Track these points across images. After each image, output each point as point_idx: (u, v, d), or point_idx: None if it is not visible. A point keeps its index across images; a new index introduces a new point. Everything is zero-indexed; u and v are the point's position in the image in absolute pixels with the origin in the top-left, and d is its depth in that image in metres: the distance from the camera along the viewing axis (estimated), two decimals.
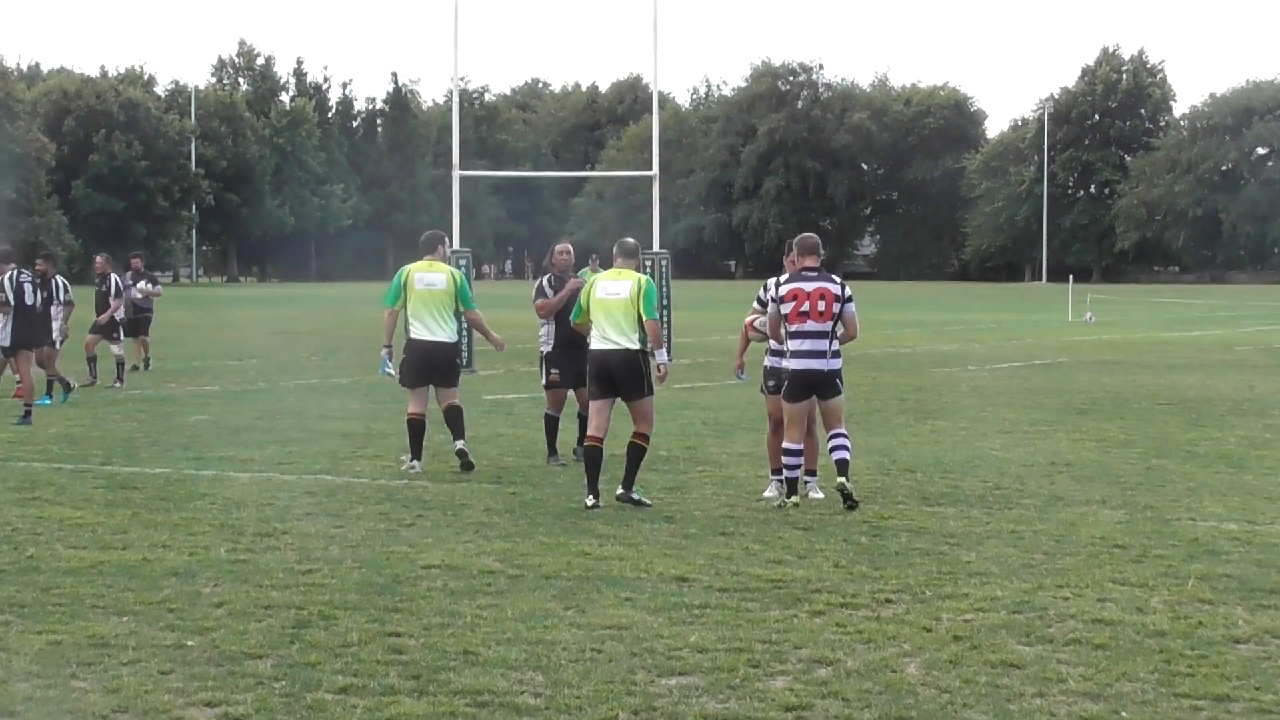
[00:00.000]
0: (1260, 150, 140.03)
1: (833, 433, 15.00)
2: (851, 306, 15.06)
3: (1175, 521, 14.04)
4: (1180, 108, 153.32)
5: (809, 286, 14.95)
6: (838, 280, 15.14)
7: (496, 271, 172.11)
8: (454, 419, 17.57)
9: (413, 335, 17.58)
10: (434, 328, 17.52)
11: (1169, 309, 73.02)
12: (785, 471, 14.94)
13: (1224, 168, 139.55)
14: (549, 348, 18.26)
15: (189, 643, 9.51)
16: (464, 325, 19.28)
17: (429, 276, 17.60)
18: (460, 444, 17.40)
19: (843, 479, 14.68)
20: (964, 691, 8.63)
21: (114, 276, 30.28)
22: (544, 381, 18.43)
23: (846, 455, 14.87)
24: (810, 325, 14.86)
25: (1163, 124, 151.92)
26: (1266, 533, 13.51)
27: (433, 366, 17.56)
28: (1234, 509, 14.82)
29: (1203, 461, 18.17)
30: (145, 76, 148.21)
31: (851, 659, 9.25)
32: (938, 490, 15.85)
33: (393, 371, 17.90)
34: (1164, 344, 44.08)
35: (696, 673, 8.95)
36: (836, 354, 15.05)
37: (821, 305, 14.84)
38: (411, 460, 17.42)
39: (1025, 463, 17.96)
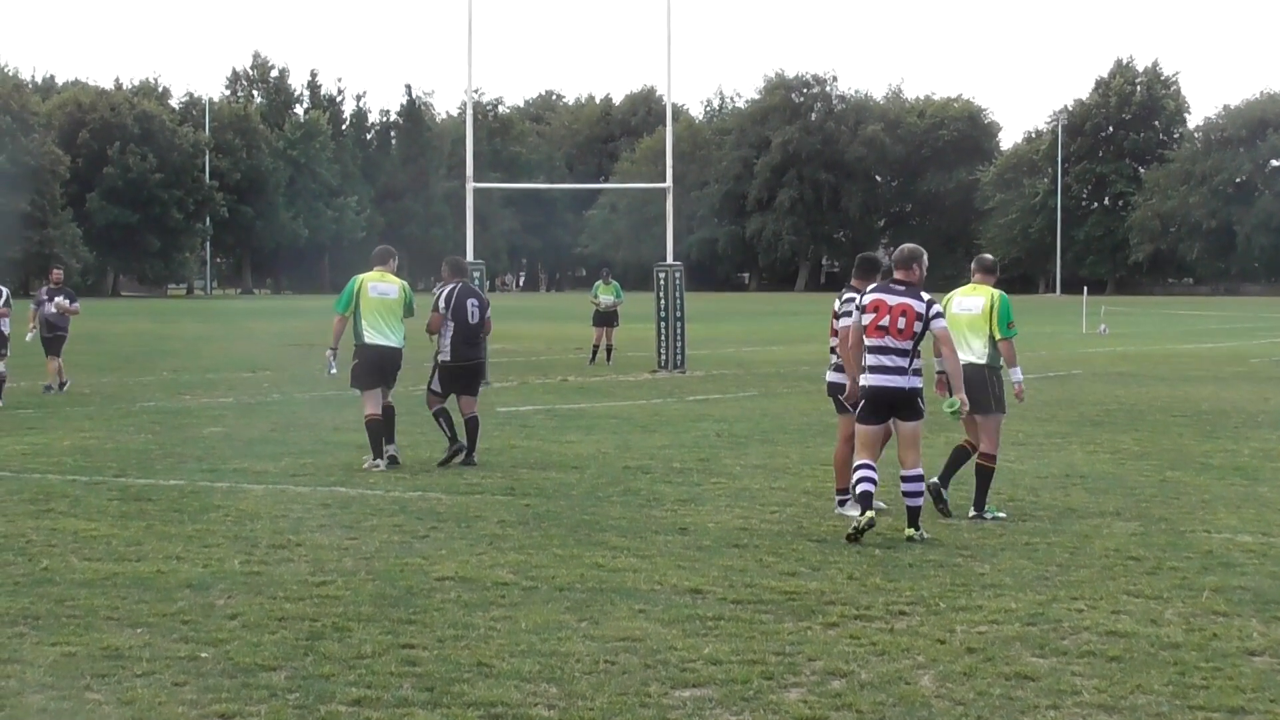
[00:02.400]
0: (1275, 162, 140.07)
1: (907, 473, 13.87)
2: (940, 324, 13.99)
3: (1190, 534, 14.02)
4: (1194, 119, 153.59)
5: (892, 300, 13.90)
6: (925, 298, 13.97)
7: (512, 283, 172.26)
8: (378, 430, 18.67)
9: (367, 341, 18.70)
10: (387, 333, 18.76)
11: (1183, 321, 72.92)
12: (859, 486, 13.72)
13: (1238, 180, 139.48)
14: (446, 357, 19.20)
15: (203, 654, 9.51)
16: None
17: (382, 286, 18.87)
18: (391, 449, 18.67)
19: (912, 530, 13.62)
20: (978, 704, 8.61)
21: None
22: (433, 386, 19.39)
23: (919, 503, 13.80)
24: (889, 341, 13.81)
25: (1176, 136, 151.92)
26: None
27: (385, 369, 18.80)
28: (1248, 521, 14.80)
29: (1217, 474, 18.13)
30: (160, 89, 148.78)
31: (865, 671, 9.23)
32: (951, 502, 15.79)
33: (335, 372, 19.18)
34: (1178, 356, 44.02)
35: (710, 685, 8.94)
36: (918, 372, 13.93)
37: (902, 322, 13.79)
38: (374, 460, 18.42)
39: (1040, 474, 17.95)
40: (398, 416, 19.16)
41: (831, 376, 15.60)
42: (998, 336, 15.24)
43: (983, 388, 15.13)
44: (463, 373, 19.30)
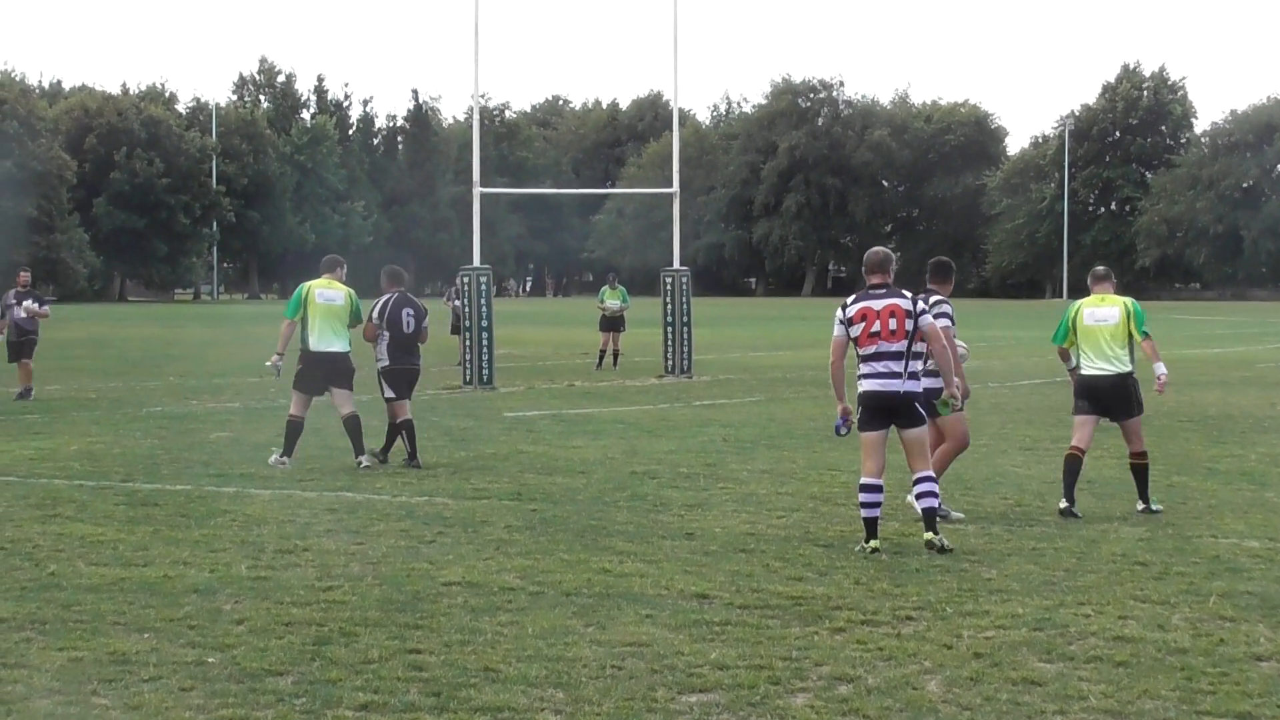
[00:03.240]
0: None
1: (917, 475, 13.64)
2: (927, 319, 13.64)
3: (1196, 539, 14.01)
4: (1201, 124, 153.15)
5: (878, 305, 13.59)
6: (909, 295, 13.76)
7: (514, 288, 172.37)
8: (354, 430, 19.32)
9: (312, 347, 19.34)
10: (332, 339, 19.36)
11: (1190, 326, 72.80)
12: (863, 511, 13.48)
13: (1245, 184, 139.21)
14: (386, 363, 19.80)
15: (210, 659, 9.52)
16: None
17: (329, 293, 19.51)
18: (363, 459, 19.11)
19: (930, 534, 13.39)
20: (985, 709, 8.61)
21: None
22: (386, 395, 19.90)
23: (935, 503, 13.57)
24: (882, 346, 13.50)
25: (1184, 141, 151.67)
26: None
27: (328, 373, 19.35)
28: (1255, 526, 14.79)
29: (1224, 479, 18.12)
30: (166, 94, 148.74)
31: (872, 676, 9.23)
32: (958, 507, 15.81)
33: (279, 374, 19.85)
34: (1185, 361, 43.95)
35: (717, 690, 8.95)
36: (914, 375, 13.58)
37: (893, 324, 13.49)
38: (281, 456, 19.01)
39: (1046, 480, 17.93)
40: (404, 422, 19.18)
41: (926, 383, 15.36)
42: (1139, 338, 15.88)
43: (1125, 394, 15.88)
44: (402, 375, 19.89)
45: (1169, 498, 16.52)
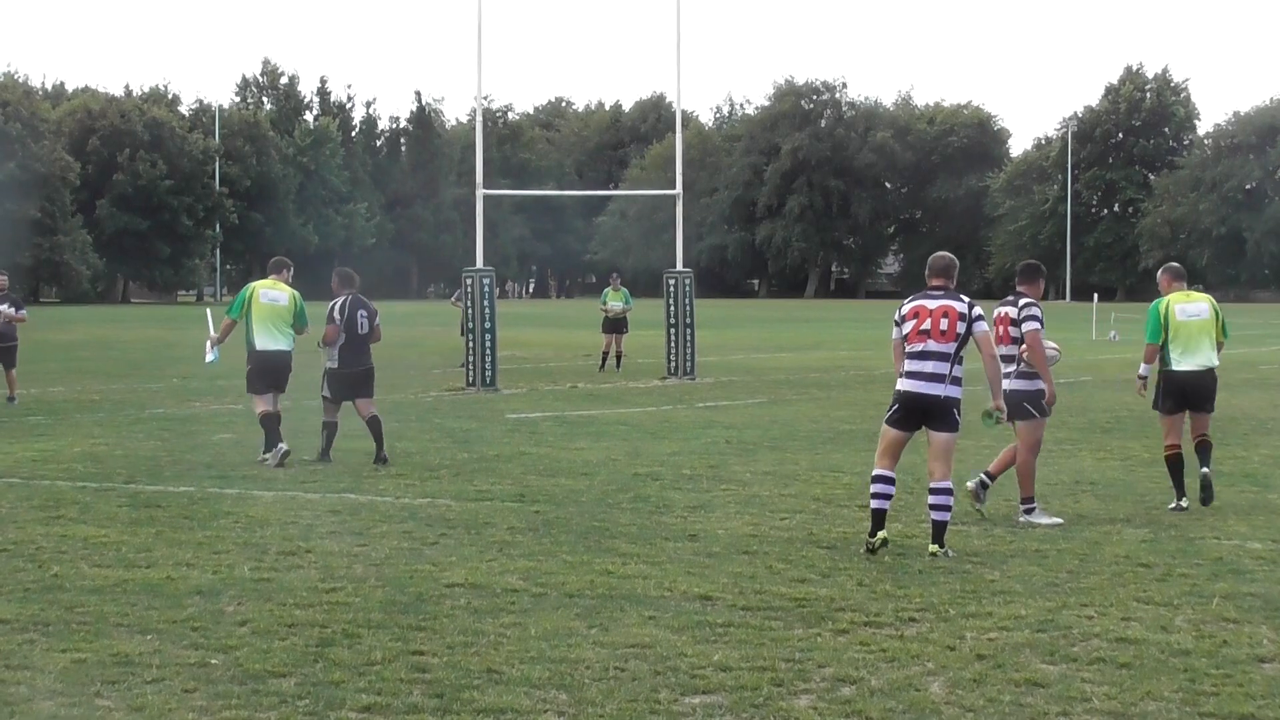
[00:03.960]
0: None
1: (935, 485, 13.37)
2: (982, 325, 13.46)
3: (1199, 540, 14.01)
4: (1204, 126, 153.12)
5: (932, 304, 13.51)
6: (966, 300, 13.55)
7: (514, 290, 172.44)
8: (274, 424, 19.70)
9: (258, 347, 19.92)
10: (277, 338, 20.01)
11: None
12: (874, 502, 13.40)
13: (1248, 186, 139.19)
14: (334, 364, 20.13)
15: (213, 661, 9.53)
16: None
17: (273, 294, 20.15)
18: (283, 447, 19.39)
19: (935, 546, 13.25)
20: (988, 710, 8.61)
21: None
22: (324, 393, 20.22)
23: (946, 517, 13.35)
24: (930, 345, 13.36)
25: (1186, 142, 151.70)
26: None
27: (275, 372, 19.99)
28: (1258, 528, 14.80)
29: (1227, 480, 18.10)
30: (169, 96, 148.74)
31: (875, 678, 9.23)
32: (961, 508, 15.77)
33: (211, 359, 20.77)
34: None
35: (720, 691, 8.95)
36: (957, 381, 13.42)
37: (944, 324, 13.34)
38: (265, 453, 19.53)
39: (1049, 481, 17.91)
40: (410, 423, 19.19)
41: (1013, 385, 15.31)
42: (1222, 339, 16.40)
43: (1211, 389, 16.34)
44: (352, 378, 20.16)
45: (1171, 499, 16.50)
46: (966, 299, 13.58)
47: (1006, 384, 14.99)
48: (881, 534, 13.30)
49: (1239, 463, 19.87)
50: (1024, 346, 15.32)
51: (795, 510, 15.70)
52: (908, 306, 13.69)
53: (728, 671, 9.33)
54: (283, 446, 19.29)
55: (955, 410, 13.43)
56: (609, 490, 17.10)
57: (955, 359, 13.38)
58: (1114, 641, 10.11)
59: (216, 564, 12.66)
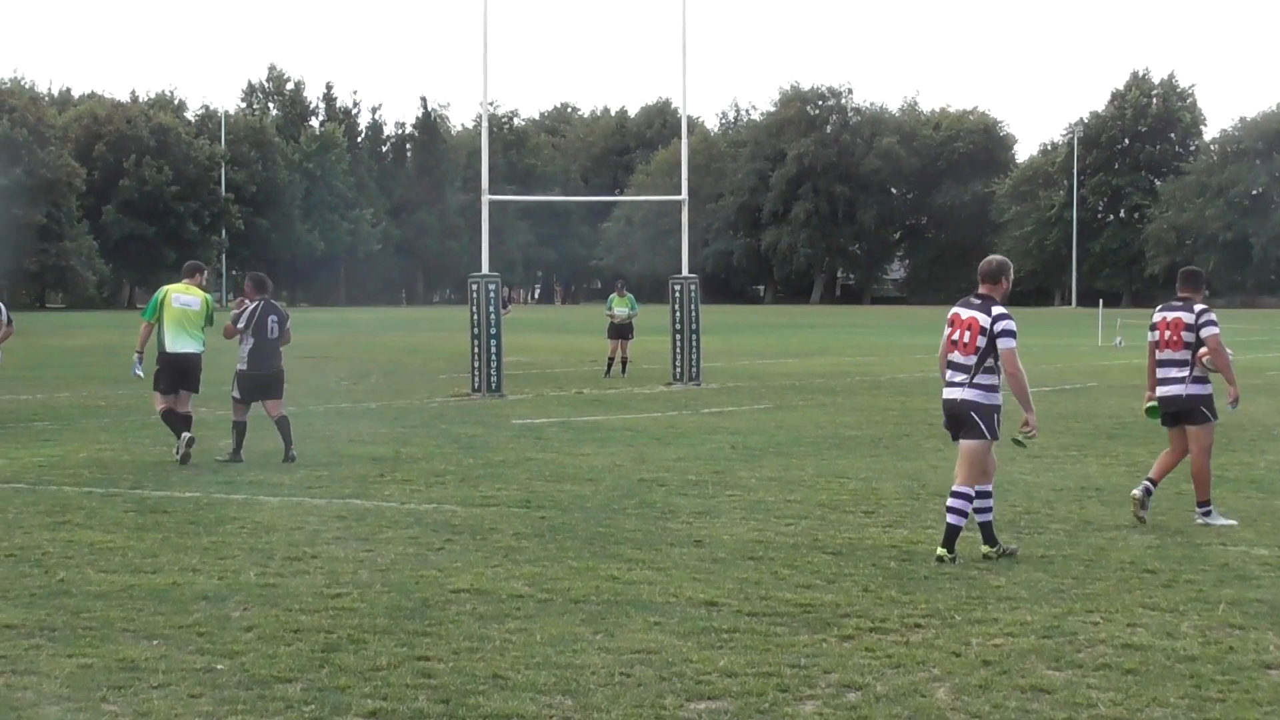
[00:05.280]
0: None
1: (954, 489, 13.42)
2: (1006, 342, 13.26)
3: (1206, 546, 14.00)
4: (1210, 132, 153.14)
5: (964, 314, 13.52)
6: (994, 312, 13.37)
7: (518, 296, 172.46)
8: (186, 421, 20.27)
9: (168, 348, 20.42)
10: (187, 341, 20.51)
11: None
12: (947, 516, 13.31)
13: (1254, 192, 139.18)
14: (244, 367, 20.66)
15: (219, 666, 9.53)
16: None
17: (185, 297, 20.71)
18: (188, 435, 20.03)
19: (943, 550, 13.17)
20: (993, 716, 8.61)
21: None
22: (234, 394, 20.80)
23: (960, 522, 13.22)
24: (956, 356, 13.46)
25: (1193, 148, 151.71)
26: None
27: (183, 373, 20.44)
28: (1265, 534, 14.79)
29: (1233, 486, 18.09)
30: (175, 101, 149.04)
31: (881, 684, 9.23)
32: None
33: (140, 374, 20.92)
34: None
35: (725, 697, 8.94)
36: (979, 387, 13.33)
37: (967, 336, 13.37)
38: (181, 442, 20.01)
39: (1055, 487, 17.93)
40: (416, 429, 19.18)
41: (1189, 389, 15.62)
42: None
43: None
44: (260, 380, 20.70)
45: (1177, 505, 16.50)
46: (996, 311, 13.45)
47: (1180, 389, 15.56)
48: (941, 551, 13.21)
49: (1245, 469, 19.85)
50: (1203, 350, 15.55)
51: (800, 516, 15.69)
52: (950, 312, 13.77)
53: (733, 677, 9.32)
54: (187, 434, 19.98)
55: (977, 416, 13.38)
56: (614, 496, 17.10)
57: (977, 370, 13.34)
58: (1120, 647, 10.10)
59: (222, 569, 12.66)
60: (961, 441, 13.54)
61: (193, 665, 9.55)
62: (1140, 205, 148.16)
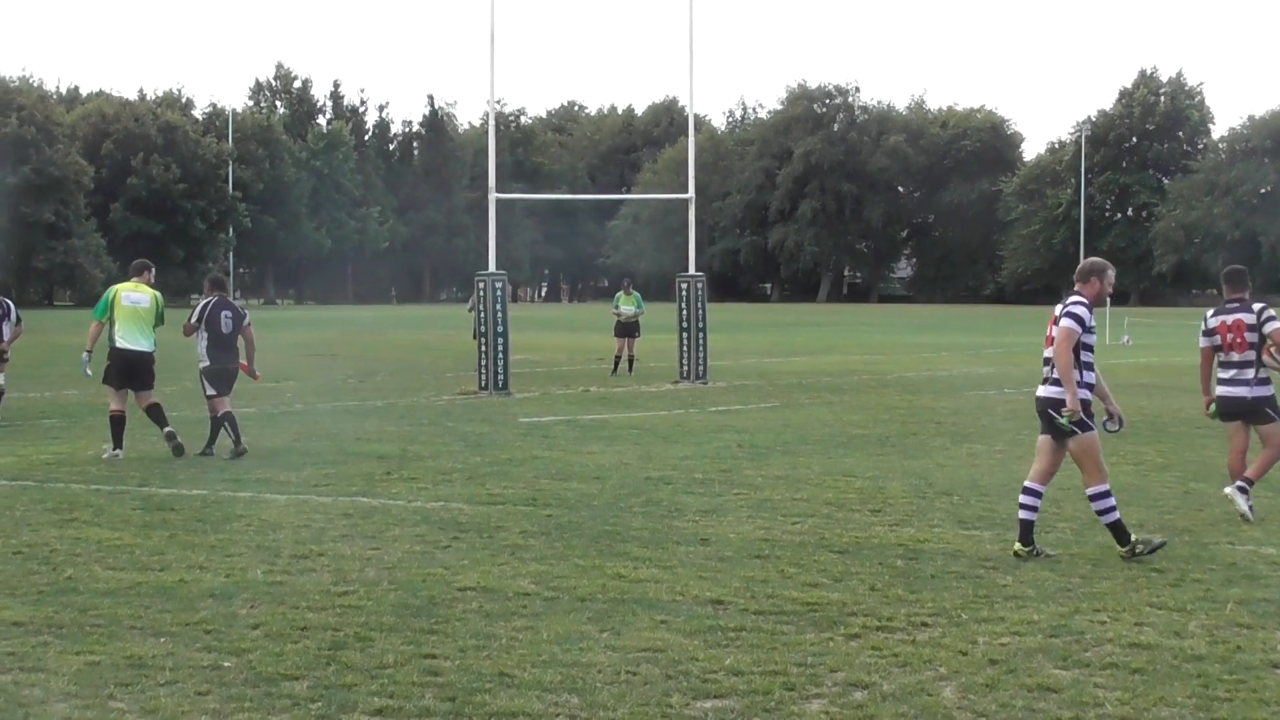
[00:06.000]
0: None
1: (1028, 487, 13.65)
2: (1064, 323, 13.25)
3: (1213, 546, 13.99)
4: (1218, 130, 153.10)
5: (1057, 312, 13.57)
6: (1058, 310, 13.48)
7: (532, 294, 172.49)
8: (155, 414, 20.83)
9: (118, 345, 20.71)
10: (137, 338, 20.79)
11: None
12: (1019, 513, 13.52)
13: (1262, 190, 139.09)
14: (205, 363, 21.15)
15: (226, 664, 9.54)
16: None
17: (135, 295, 20.97)
18: (169, 428, 20.62)
19: (1019, 547, 13.36)
20: (1000, 715, 8.60)
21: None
22: (207, 392, 21.19)
23: (1031, 517, 13.46)
24: (1045, 352, 13.61)
25: (1201, 147, 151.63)
26: None
27: (133, 371, 20.73)
28: (1273, 533, 14.77)
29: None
30: (183, 100, 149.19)
31: (887, 682, 9.22)
32: (974, 513, 15.82)
33: (90, 372, 21.20)
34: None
35: (732, 696, 8.94)
36: (1055, 381, 13.31)
37: (1052, 332, 13.48)
38: (114, 450, 20.32)
39: (1062, 486, 17.86)
40: (423, 427, 19.16)
41: (1255, 391, 15.86)
42: None
43: None
44: (225, 374, 21.14)
45: (1185, 504, 16.51)
46: (1071, 299, 13.50)
47: (1246, 390, 15.72)
48: (1017, 545, 13.39)
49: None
50: (1270, 345, 15.78)
51: (807, 514, 15.68)
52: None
53: (739, 676, 9.32)
54: (119, 454, 20.25)
55: (1053, 411, 13.35)
56: (621, 494, 17.10)
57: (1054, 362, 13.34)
58: (1127, 647, 10.09)
59: (229, 567, 12.67)
60: (1068, 441, 13.46)
61: (199, 663, 9.56)
62: (1148, 204, 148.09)
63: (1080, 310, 13.35)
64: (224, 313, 21.22)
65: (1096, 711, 8.68)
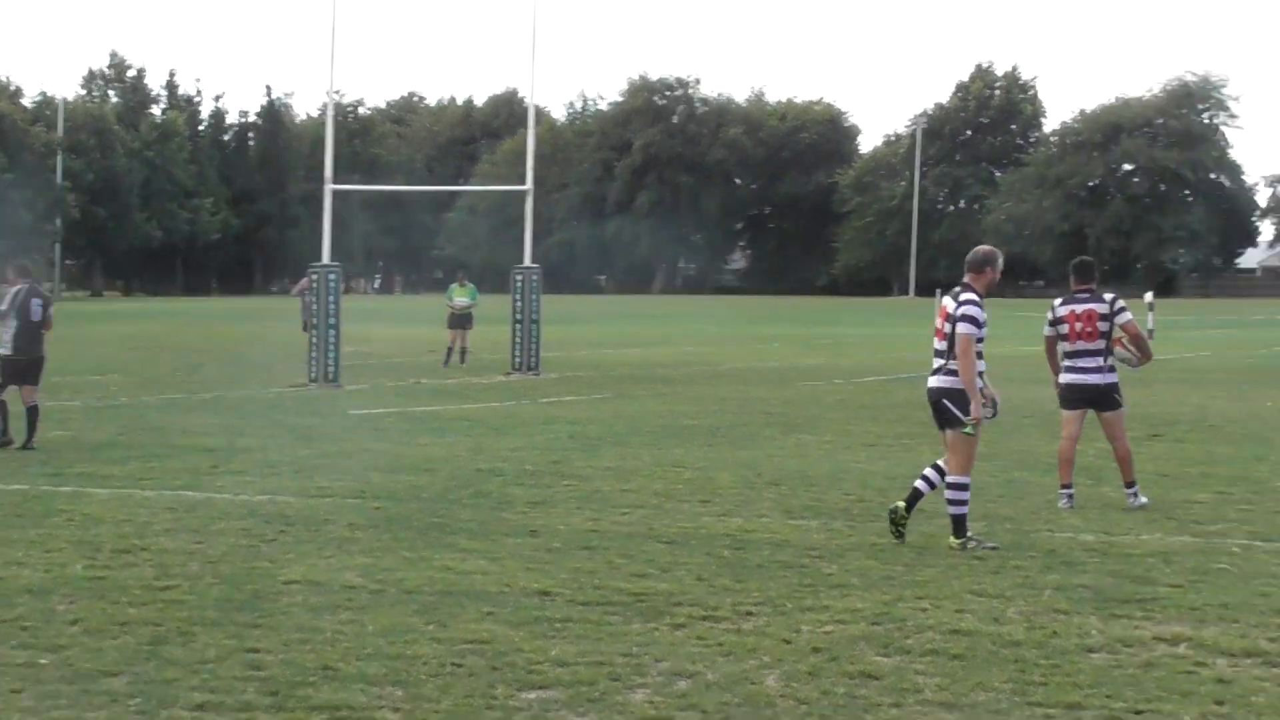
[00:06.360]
0: (1126, 166, 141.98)
1: (948, 480, 13.74)
2: (961, 327, 13.42)
3: (1034, 533, 14.22)
4: (1051, 124, 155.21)
5: (949, 305, 13.69)
6: (957, 299, 13.63)
7: (366, 286, 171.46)
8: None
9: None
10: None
11: (1036, 323, 73.75)
12: (949, 507, 13.62)
13: (1091, 183, 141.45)
14: (7, 351, 21.02)
15: (42, 661, 9.38)
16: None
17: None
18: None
19: (953, 540, 13.47)
20: (822, 703, 8.68)
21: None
22: None
23: (956, 511, 13.56)
24: (936, 344, 13.72)
25: (1033, 140, 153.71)
26: (1122, 544, 13.70)
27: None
28: (1091, 520, 15.04)
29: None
30: (11, 88, 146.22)
31: (711, 671, 9.27)
32: (801, 503, 15.95)
33: None
34: (1027, 358, 44.51)
35: (557, 686, 8.95)
36: (949, 373, 13.51)
37: (945, 326, 13.60)
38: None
39: (889, 475, 18.11)
40: (251, 419, 19.01)
41: (1108, 378, 16.42)
42: None
43: None
44: (23, 365, 21.05)
45: (1008, 492, 16.77)
46: (963, 297, 13.65)
47: (1098, 378, 16.25)
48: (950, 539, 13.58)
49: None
50: (1119, 336, 16.32)
51: (636, 505, 15.74)
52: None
53: (565, 666, 9.32)
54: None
55: (950, 403, 13.54)
56: (450, 486, 17.06)
57: (948, 354, 13.52)
58: (947, 633, 10.22)
59: (48, 562, 12.47)
60: (947, 431, 13.66)
61: (14, 660, 9.39)
62: (980, 196, 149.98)
63: (974, 311, 13.52)
64: (34, 300, 21.12)
65: (916, 697, 8.78)
